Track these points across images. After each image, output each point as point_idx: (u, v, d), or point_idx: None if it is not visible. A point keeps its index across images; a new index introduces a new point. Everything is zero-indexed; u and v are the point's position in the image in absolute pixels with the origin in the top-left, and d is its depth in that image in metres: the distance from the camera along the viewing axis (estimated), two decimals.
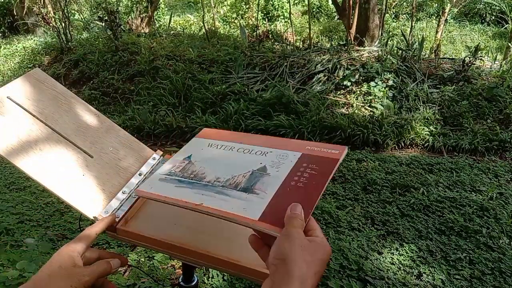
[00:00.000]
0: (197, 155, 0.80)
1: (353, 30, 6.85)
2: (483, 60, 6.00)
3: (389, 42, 6.76)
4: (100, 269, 0.66)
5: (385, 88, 5.17)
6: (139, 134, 4.92)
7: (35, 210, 2.87)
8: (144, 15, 8.91)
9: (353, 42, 6.47)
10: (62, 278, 0.61)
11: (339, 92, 5.38)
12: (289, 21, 9.22)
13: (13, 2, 10.09)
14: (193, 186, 0.71)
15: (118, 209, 0.85)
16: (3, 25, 10.77)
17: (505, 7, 7.95)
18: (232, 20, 10.50)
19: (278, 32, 8.92)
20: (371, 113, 4.90)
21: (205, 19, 8.22)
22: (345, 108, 5.16)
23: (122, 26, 7.30)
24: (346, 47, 6.23)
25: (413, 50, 5.89)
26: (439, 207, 3.00)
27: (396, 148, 4.48)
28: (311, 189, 0.66)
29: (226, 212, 0.64)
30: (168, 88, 5.74)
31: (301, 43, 7.81)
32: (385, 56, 5.65)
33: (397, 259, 2.41)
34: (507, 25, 7.48)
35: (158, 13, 10.01)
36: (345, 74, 5.44)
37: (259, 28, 8.62)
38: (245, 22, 10.18)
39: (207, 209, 0.66)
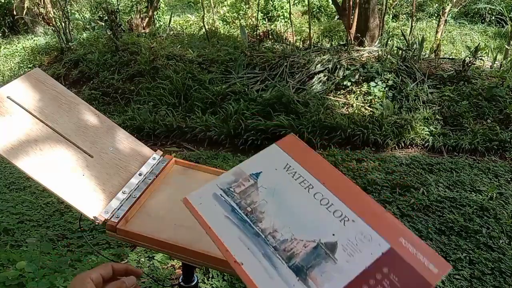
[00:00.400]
0: (267, 176, 0.64)
1: (353, 30, 6.85)
2: (483, 60, 6.00)
3: (389, 42, 6.76)
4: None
5: (385, 88, 5.17)
6: (139, 134, 4.92)
7: (35, 210, 2.87)
8: (144, 15, 8.91)
9: (353, 42, 6.47)
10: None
11: (339, 92, 5.38)
12: (289, 21, 9.22)
13: (13, 2, 10.09)
14: (243, 228, 0.58)
15: (118, 209, 0.85)
16: (3, 25, 10.76)
17: (502, 9, 7.96)
18: (232, 20, 10.50)
19: (278, 32, 8.92)
20: (371, 113, 4.90)
21: (205, 19, 8.22)
22: (345, 108, 5.15)
23: (122, 26, 7.30)
24: (346, 47, 6.23)
25: (413, 50, 5.89)
26: (439, 207, 3.00)
27: (396, 148, 4.48)
28: None
29: (254, 285, 0.52)
30: (168, 88, 5.74)
31: (301, 43, 7.81)
32: (385, 56, 5.65)
33: None
34: (507, 26, 7.48)
35: (158, 13, 10.00)
36: (345, 74, 5.44)
37: (259, 28, 8.62)
38: (245, 22, 10.18)
39: (242, 274, 0.53)
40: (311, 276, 0.52)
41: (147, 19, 8.92)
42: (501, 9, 7.99)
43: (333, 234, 0.55)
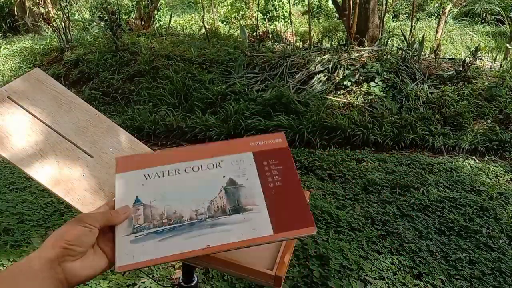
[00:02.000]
0: (145, 194, 0.67)
1: (353, 30, 6.85)
2: (483, 60, 6.00)
3: (389, 42, 6.76)
4: (102, 216, 0.62)
5: (385, 88, 5.17)
6: (139, 134, 4.92)
7: (35, 210, 2.87)
8: (144, 15, 8.91)
9: (353, 42, 6.47)
10: (69, 223, 0.60)
11: (339, 92, 5.38)
12: (289, 21, 9.22)
13: (13, 2, 10.09)
14: (180, 232, 0.63)
15: None
16: (3, 25, 10.76)
17: (499, 9, 7.96)
18: (232, 20, 10.50)
19: (278, 32, 8.92)
20: (371, 113, 4.90)
21: (205, 19, 8.21)
22: (345, 108, 5.15)
23: (122, 26, 7.30)
24: (346, 47, 6.23)
25: (413, 50, 5.89)
26: (439, 207, 3.00)
27: (396, 148, 4.48)
28: (291, 184, 0.68)
29: (239, 242, 0.62)
30: (168, 88, 5.74)
31: (301, 43, 7.81)
32: (385, 56, 5.65)
33: (397, 259, 2.41)
34: (504, 25, 7.48)
35: (158, 13, 10.01)
36: (345, 74, 5.44)
37: (259, 28, 8.62)
38: (245, 22, 10.18)
39: (218, 248, 0.62)
40: (244, 205, 0.66)
41: (147, 19, 8.92)
42: (499, 9, 7.99)
43: (224, 176, 0.69)
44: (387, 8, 8.56)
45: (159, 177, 0.69)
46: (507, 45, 6.41)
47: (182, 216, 0.64)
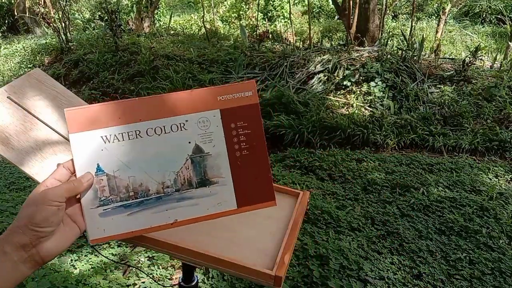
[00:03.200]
0: (106, 161, 0.64)
1: (353, 30, 6.85)
2: (483, 60, 6.00)
3: (389, 42, 6.76)
4: (65, 188, 0.60)
5: (385, 88, 5.17)
6: None
7: None
8: (144, 15, 8.91)
9: (353, 42, 6.47)
10: (34, 201, 0.58)
11: (339, 92, 5.38)
12: (289, 21, 9.22)
13: (13, 2, 10.09)
14: (147, 206, 0.64)
15: None
16: (3, 25, 10.77)
17: (501, 8, 7.95)
18: (232, 20, 10.50)
19: (278, 32, 8.93)
20: (371, 113, 4.90)
21: (205, 19, 8.21)
22: (345, 108, 5.15)
23: (122, 26, 7.30)
24: (346, 47, 6.23)
25: (413, 50, 5.89)
26: (439, 207, 3.00)
27: (396, 148, 4.48)
28: (258, 153, 0.67)
29: (206, 216, 0.65)
30: (168, 88, 5.74)
31: (301, 43, 7.81)
32: (385, 56, 5.65)
33: (397, 259, 2.41)
34: (505, 25, 7.48)
35: (158, 13, 10.01)
36: (345, 74, 5.44)
37: (259, 28, 8.62)
38: (245, 22, 10.18)
39: (186, 222, 0.64)
40: (210, 177, 0.65)
41: (147, 19, 8.92)
42: (501, 8, 7.99)
43: (189, 142, 0.65)
44: (387, 8, 8.56)
45: (118, 140, 0.64)
46: (510, 42, 6.39)
47: (149, 189, 0.64)
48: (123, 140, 0.64)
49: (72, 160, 0.64)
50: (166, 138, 0.65)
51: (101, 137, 0.64)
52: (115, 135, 0.64)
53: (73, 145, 0.63)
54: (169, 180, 0.64)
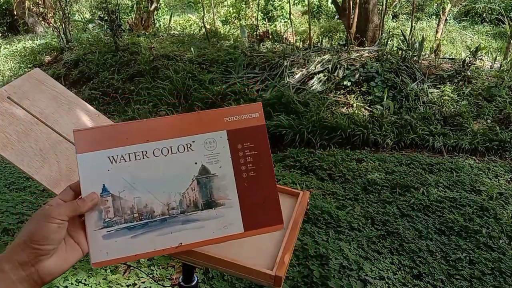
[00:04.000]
0: (112, 182, 0.63)
1: (353, 30, 6.85)
2: (483, 60, 6.00)
3: (389, 42, 6.76)
4: (68, 207, 0.59)
5: (385, 88, 5.17)
6: None
7: (35, 210, 2.87)
8: (144, 15, 8.91)
9: (353, 42, 6.47)
10: (36, 219, 0.57)
11: (339, 92, 5.38)
12: (289, 21, 9.22)
13: (13, 2, 10.08)
14: (152, 228, 0.62)
15: None
16: (3, 25, 10.77)
17: (500, 9, 7.95)
18: (232, 20, 10.50)
19: (278, 32, 8.93)
20: (371, 113, 4.90)
21: (205, 19, 8.21)
22: (345, 108, 5.15)
23: (122, 26, 7.30)
24: (346, 47, 6.23)
25: (413, 50, 5.89)
26: (439, 207, 3.00)
27: (396, 148, 4.48)
28: (265, 174, 0.66)
29: (211, 240, 0.63)
30: (168, 88, 5.74)
31: (301, 43, 7.81)
32: (385, 56, 5.65)
33: (397, 259, 2.41)
34: (505, 25, 7.48)
35: (158, 13, 10.00)
36: (345, 74, 5.44)
37: (259, 28, 8.62)
38: (245, 22, 10.18)
39: (191, 246, 0.63)
40: (217, 199, 0.64)
41: (147, 19, 8.92)
42: (500, 8, 7.99)
43: (196, 163, 0.65)
44: (387, 8, 8.56)
45: (125, 161, 0.64)
46: (510, 41, 6.38)
47: (154, 210, 0.63)
48: (130, 160, 0.64)
49: (79, 181, 0.64)
50: (172, 159, 0.65)
51: (108, 157, 0.63)
52: (122, 155, 0.64)
53: (80, 165, 0.63)
54: (174, 201, 0.63)
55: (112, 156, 0.63)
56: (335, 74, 5.51)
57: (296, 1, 11.39)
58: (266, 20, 10.12)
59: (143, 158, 0.64)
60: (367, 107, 5.06)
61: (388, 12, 9.72)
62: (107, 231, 0.62)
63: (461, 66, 5.35)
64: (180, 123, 0.66)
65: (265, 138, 0.68)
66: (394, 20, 10.45)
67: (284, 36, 8.74)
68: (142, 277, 2.01)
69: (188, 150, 0.65)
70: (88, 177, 0.63)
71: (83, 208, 0.61)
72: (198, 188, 0.64)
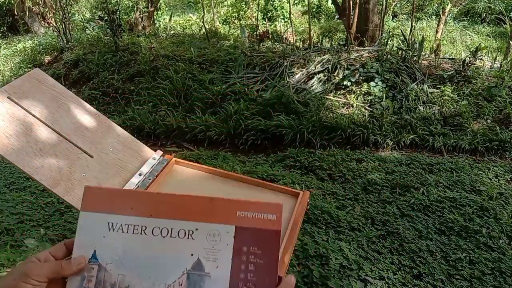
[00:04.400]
0: (104, 250, 0.60)
1: (353, 30, 6.85)
2: (483, 60, 6.00)
3: (389, 42, 6.76)
4: (50, 268, 0.59)
5: (385, 88, 5.17)
6: (139, 134, 4.92)
7: (35, 210, 2.87)
8: (144, 15, 8.91)
9: (353, 42, 6.47)
10: (13, 276, 0.57)
11: (339, 92, 5.38)
12: (289, 21, 9.22)
13: (13, 2, 10.08)
14: None
15: None
16: (3, 25, 10.77)
17: (501, 8, 7.95)
18: (232, 20, 10.51)
19: (278, 32, 8.93)
20: (371, 113, 4.90)
21: (205, 19, 8.22)
22: (345, 108, 5.16)
23: (122, 26, 7.30)
24: (346, 47, 6.23)
25: (413, 50, 5.89)
26: (439, 207, 3.00)
27: (396, 148, 4.48)
28: None
29: None
30: (168, 88, 5.74)
31: (301, 43, 7.81)
32: (385, 56, 5.65)
33: (397, 259, 2.41)
34: (505, 25, 7.48)
35: (158, 13, 10.00)
36: (345, 74, 5.44)
37: (259, 28, 8.62)
38: (245, 22, 10.18)
39: None
40: None
41: (147, 19, 8.92)
42: (501, 8, 7.99)
43: (192, 254, 0.58)
44: (387, 8, 8.57)
45: (122, 231, 0.61)
46: (510, 41, 6.38)
47: None
48: (127, 232, 0.61)
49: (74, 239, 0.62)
50: (169, 243, 0.60)
51: (108, 223, 0.61)
52: (121, 224, 0.61)
53: (80, 223, 0.61)
54: None
55: (112, 223, 0.61)
56: (335, 74, 5.51)
57: (296, 1, 11.39)
58: (266, 20, 10.12)
59: (141, 233, 0.60)
60: (367, 107, 5.06)
61: (388, 12, 9.72)
62: None
63: (461, 66, 5.35)
64: (190, 204, 0.61)
65: (276, 247, 0.58)
66: (394, 20, 10.45)
67: (284, 36, 8.74)
68: None
69: (188, 238, 0.59)
70: (83, 239, 0.61)
71: (67, 272, 0.59)
72: (186, 284, 0.57)
